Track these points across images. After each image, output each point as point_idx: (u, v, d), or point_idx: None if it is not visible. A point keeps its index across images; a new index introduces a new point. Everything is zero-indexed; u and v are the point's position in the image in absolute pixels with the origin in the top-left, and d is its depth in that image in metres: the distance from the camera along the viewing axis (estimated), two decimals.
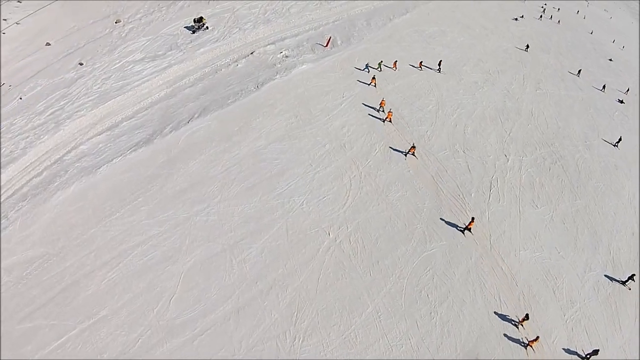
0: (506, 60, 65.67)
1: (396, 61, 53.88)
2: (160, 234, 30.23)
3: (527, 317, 30.07)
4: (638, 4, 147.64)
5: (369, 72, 51.34)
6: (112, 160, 35.23)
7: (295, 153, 38.36)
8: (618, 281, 36.05)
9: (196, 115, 40.62)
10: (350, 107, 45.36)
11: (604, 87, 68.72)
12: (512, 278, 33.32)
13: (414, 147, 40.61)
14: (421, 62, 55.60)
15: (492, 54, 66.26)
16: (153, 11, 56.66)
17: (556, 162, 47.00)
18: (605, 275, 36.32)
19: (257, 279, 28.63)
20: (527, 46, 71.54)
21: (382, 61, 52.52)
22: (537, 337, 29.10)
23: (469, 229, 35.22)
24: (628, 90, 70.90)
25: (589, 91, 65.69)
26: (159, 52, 49.31)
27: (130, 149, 36.50)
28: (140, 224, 30.68)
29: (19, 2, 55.20)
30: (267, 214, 32.68)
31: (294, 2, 63.86)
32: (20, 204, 31.42)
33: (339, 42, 56.28)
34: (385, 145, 41.48)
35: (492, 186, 40.72)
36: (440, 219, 36.00)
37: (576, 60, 74.96)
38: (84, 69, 45.90)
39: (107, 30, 52.46)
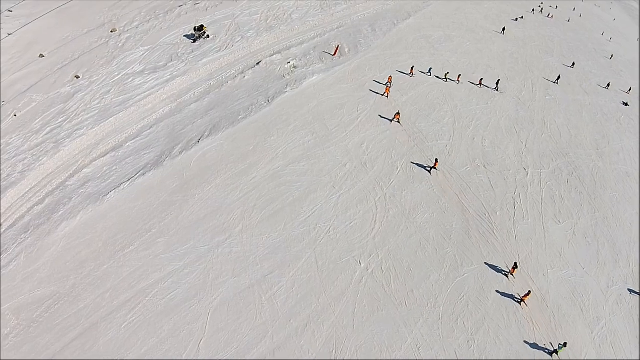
0: (514, 66, 65.24)
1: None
2: (180, 269, 28.74)
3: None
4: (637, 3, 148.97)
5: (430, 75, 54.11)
6: (120, 185, 33.56)
7: (316, 174, 37.12)
8: (638, 293, 36.08)
9: (206, 134, 39.08)
10: (367, 121, 44.27)
11: (608, 85, 70.16)
12: (542, 299, 32.81)
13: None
14: (481, 80, 56.94)
15: (499, 58, 65.77)
16: (150, 19, 54.52)
17: (572, 173, 46.57)
18: (629, 289, 36.18)
19: (291, 316, 27.40)
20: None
21: (448, 72, 54.56)
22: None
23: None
24: (630, 89, 71.03)
25: (594, 95, 65.56)
26: (160, 63, 47.34)
27: (139, 172, 34.83)
28: (158, 258, 29.14)
29: (9, 11, 52.70)
30: (293, 243, 31.41)
31: (295, 7, 62.39)
32: (22, 236, 29.59)
33: (346, 50, 55.07)
34: (407, 163, 40.61)
35: (515, 202, 40.06)
36: (466, 244, 35.17)
37: (579, 62, 74.77)
38: (80, 83, 43.74)
39: (103, 40, 50.08)
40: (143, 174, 34.52)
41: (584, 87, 66.99)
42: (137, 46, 49.41)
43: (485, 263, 33.74)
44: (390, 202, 36.30)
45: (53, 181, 34.02)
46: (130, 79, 44.64)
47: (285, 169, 37.10)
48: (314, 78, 48.57)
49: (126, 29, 52.13)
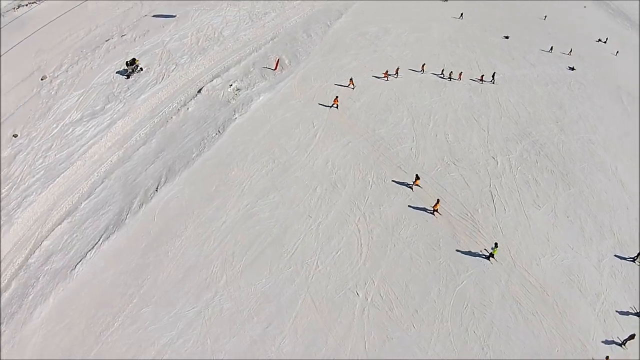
0: (455, 50, 69.17)
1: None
2: (174, 339, 29.25)
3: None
4: None
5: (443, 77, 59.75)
6: (86, 255, 33.57)
7: (289, 206, 38.49)
8: (628, 259, 39.94)
9: (163, 180, 39.70)
10: (325, 136, 46.25)
11: (551, 48, 76.29)
12: (541, 289, 35.61)
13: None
14: (482, 76, 62.01)
15: (440, 45, 69.60)
16: (78, 59, 54.15)
17: (539, 152, 50.32)
18: (616, 256, 39.98)
19: None
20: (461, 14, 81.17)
21: (452, 71, 60.57)
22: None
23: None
24: (571, 51, 76.73)
25: (540, 65, 70.46)
26: (97, 107, 47.40)
27: (101, 237, 34.94)
28: (147, 331, 29.50)
29: None
30: (284, 287, 32.61)
31: (225, 24, 63.68)
32: None
33: (287, 62, 56.86)
34: (377, 175, 42.74)
35: (492, 196, 43.01)
36: (457, 250, 37.64)
37: (516, 32, 79.96)
38: (20, 142, 42.85)
39: (35, 90, 49.16)
40: (107, 238, 34.69)
41: (528, 58, 71.85)
42: (70, 91, 49.15)
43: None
44: (371, 221, 38.18)
45: (14, 260, 33.56)
46: (70, 130, 44.57)
47: (255, 205, 38.21)
48: (260, 98, 50.06)
49: (56, 75, 51.69)
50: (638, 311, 35.76)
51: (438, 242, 37.53)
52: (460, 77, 60.97)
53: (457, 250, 37.24)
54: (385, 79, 57.81)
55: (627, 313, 35.51)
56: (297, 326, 30.43)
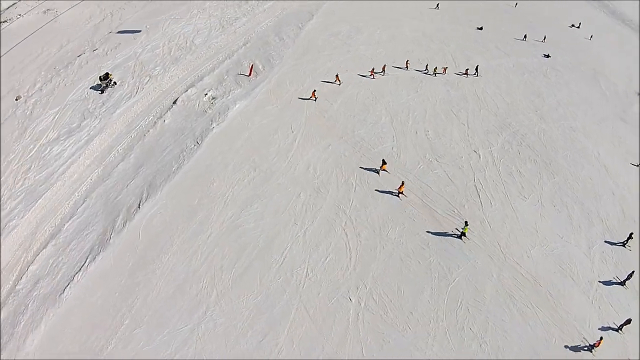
0: (429, 45, 70.05)
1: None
2: (169, 358, 29.10)
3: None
4: None
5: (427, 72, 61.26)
6: (73, 278, 33.26)
7: (273, 214, 38.55)
8: (618, 244, 40.83)
9: (145, 196, 39.56)
10: (305, 140, 46.51)
11: (525, 36, 77.92)
12: (534, 280, 36.19)
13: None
14: (467, 69, 63.57)
15: (414, 41, 70.45)
16: (51, 77, 54.23)
17: (521, 143, 51.13)
18: (606, 241, 40.86)
19: None
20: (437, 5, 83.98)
21: (436, 67, 61.78)
22: None
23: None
24: (545, 38, 78.18)
25: (515, 55, 71.68)
26: (73, 125, 47.34)
27: (87, 258, 34.68)
28: (143, 352, 29.31)
29: None
30: (276, 297, 32.63)
31: (196, 32, 63.94)
32: None
33: (261, 68, 57.22)
34: (360, 177, 42.93)
35: (478, 190, 43.57)
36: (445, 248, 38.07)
37: (488, 22, 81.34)
38: None
39: (10, 110, 48.97)
40: (93, 259, 34.46)
41: (502, 48, 73.15)
42: (45, 110, 49.10)
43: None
44: (358, 224, 38.41)
45: (3, 287, 33.19)
46: (47, 150, 44.43)
47: (240, 216, 38.18)
48: (237, 106, 50.25)
49: (30, 94, 51.73)
50: (621, 280, 37.06)
51: (427, 241, 37.89)
52: (444, 72, 61.99)
53: (446, 247, 37.73)
54: (372, 77, 58.53)
55: (610, 283, 36.83)
56: (292, 337, 30.45)
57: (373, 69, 58.92)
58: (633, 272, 36.77)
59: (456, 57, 67.43)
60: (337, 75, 55.62)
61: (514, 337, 32.07)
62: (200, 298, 32.28)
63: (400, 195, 41.31)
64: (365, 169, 43.71)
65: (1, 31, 60.90)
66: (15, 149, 44.13)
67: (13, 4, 67.51)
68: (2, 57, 56.04)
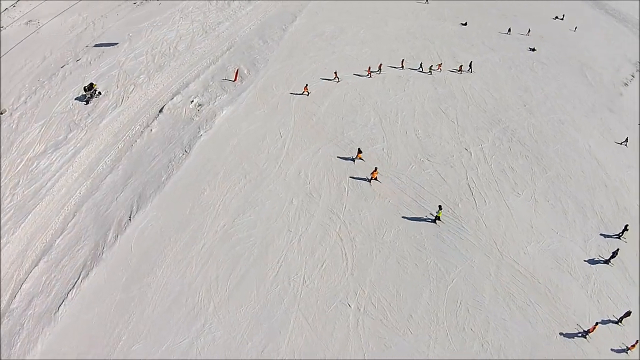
0: (414, 42, 70.54)
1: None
2: None
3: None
4: None
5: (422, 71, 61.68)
6: (67, 296, 33.33)
7: (266, 222, 38.66)
8: (614, 237, 41.35)
9: (135, 208, 39.64)
10: (294, 145, 46.72)
11: (509, 30, 78.81)
12: (532, 277, 36.57)
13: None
14: (461, 66, 63.93)
15: (398, 39, 70.88)
16: (36, 89, 54.58)
17: (511, 138, 51.63)
18: (601, 234, 41.29)
19: None
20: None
21: (431, 65, 62.22)
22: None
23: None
24: (529, 31, 79.04)
25: (500, 50, 72.34)
26: (60, 137, 47.53)
27: (80, 274, 34.75)
28: None
29: None
30: (274, 307, 32.74)
31: (179, 38, 64.24)
32: None
33: (246, 72, 57.53)
34: (352, 181, 43.19)
35: (471, 188, 43.93)
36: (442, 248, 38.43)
37: (473, 17, 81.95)
38: None
39: None
40: (86, 275, 34.50)
41: (488, 43, 73.75)
42: (31, 123, 49.32)
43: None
44: (352, 229, 38.60)
45: None
46: (34, 164, 44.59)
47: (232, 225, 38.27)
48: (224, 112, 50.51)
49: (15, 107, 52.06)
50: (606, 258, 38.42)
51: (423, 242, 38.15)
52: (440, 68, 62.73)
53: (442, 248, 38.02)
54: (369, 76, 59.22)
55: (595, 261, 38.16)
56: (293, 346, 30.60)
57: (369, 67, 59.47)
58: (618, 249, 38.03)
59: (442, 53, 67.93)
60: (305, 86, 55.23)
61: (515, 335, 32.42)
62: (197, 311, 32.34)
63: (371, 181, 42.62)
64: (356, 178, 43.82)
65: None
66: (2, 163, 44.17)
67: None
68: None
